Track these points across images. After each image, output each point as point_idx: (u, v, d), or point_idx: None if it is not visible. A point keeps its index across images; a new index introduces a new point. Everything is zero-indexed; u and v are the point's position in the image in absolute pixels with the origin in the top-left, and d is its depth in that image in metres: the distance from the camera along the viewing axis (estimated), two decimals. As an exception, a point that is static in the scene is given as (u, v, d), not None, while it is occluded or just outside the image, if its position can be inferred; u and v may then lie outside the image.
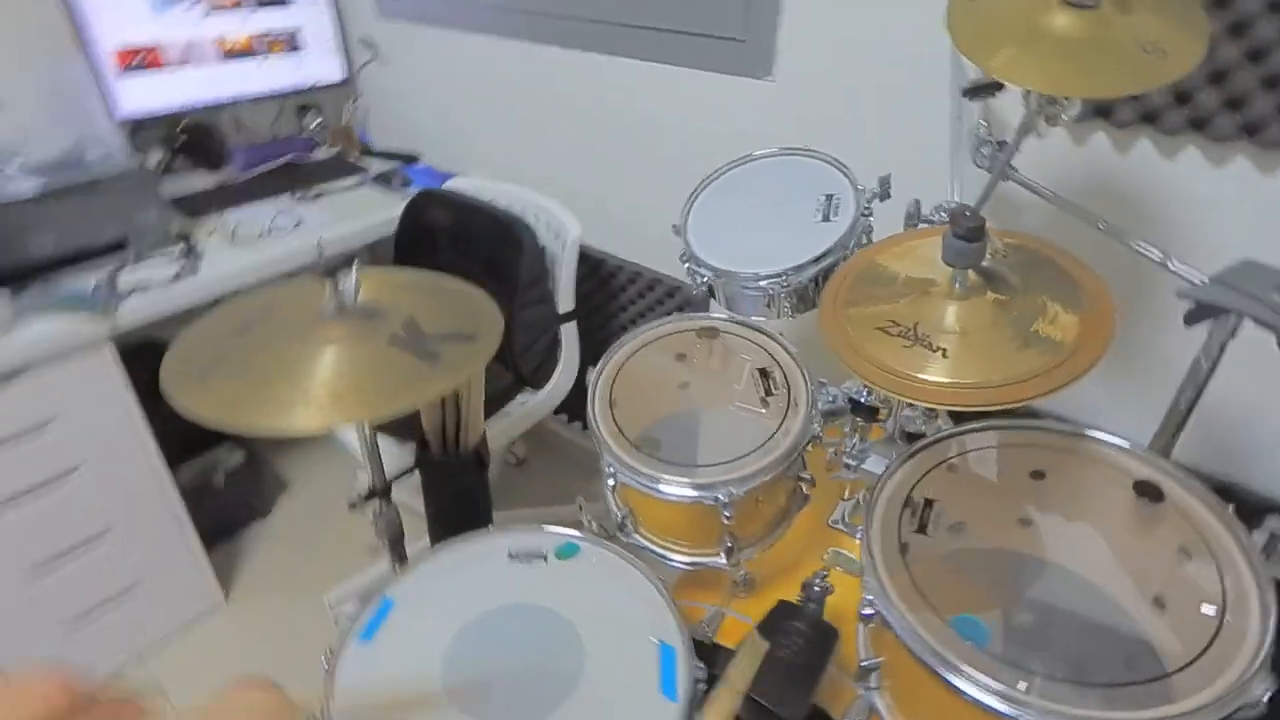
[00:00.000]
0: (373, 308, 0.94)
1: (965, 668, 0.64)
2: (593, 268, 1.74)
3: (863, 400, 1.02)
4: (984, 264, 0.77)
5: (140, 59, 1.68)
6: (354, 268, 0.89)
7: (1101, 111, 1.00)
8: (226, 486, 1.89)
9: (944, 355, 0.70)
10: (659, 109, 1.50)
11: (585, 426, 1.06)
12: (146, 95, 1.72)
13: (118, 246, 1.49)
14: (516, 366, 1.55)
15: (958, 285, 0.73)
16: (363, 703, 0.78)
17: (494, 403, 1.55)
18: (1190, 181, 0.99)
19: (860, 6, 1.18)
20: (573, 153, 1.72)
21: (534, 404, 1.59)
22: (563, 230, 1.50)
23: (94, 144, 1.53)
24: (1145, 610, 0.67)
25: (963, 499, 0.80)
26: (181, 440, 1.83)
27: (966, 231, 0.67)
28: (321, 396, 0.79)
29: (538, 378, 1.58)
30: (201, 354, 0.88)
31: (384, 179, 1.92)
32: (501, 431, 1.55)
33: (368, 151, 2.12)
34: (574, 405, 1.81)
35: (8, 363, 1.27)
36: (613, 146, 1.63)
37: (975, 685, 0.63)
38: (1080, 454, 0.82)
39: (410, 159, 2.06)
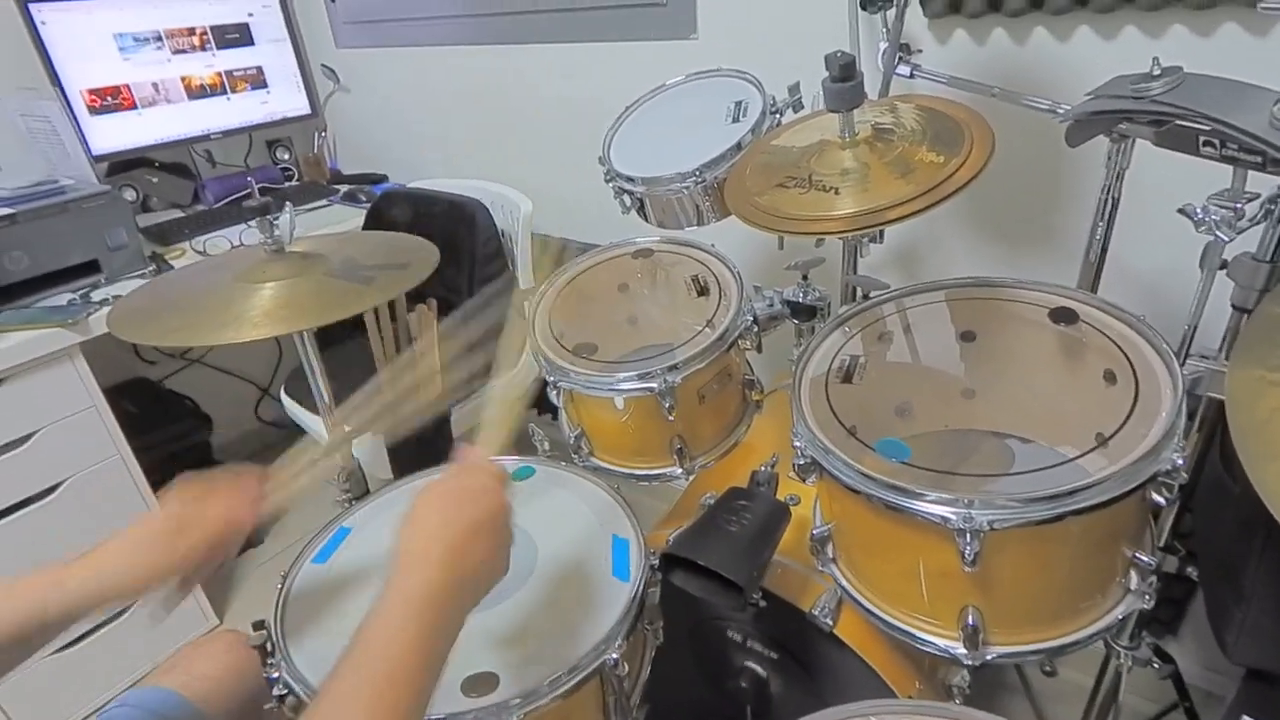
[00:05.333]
0: (313, 253, 0.98)
1: (889, 479, 0.64)
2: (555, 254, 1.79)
3: (800, 301, 1.04)
4: (876, 121, 0.81)
5: (110, 99, 1.78)
6: (287, 209, 0.93)
7: (992, 5, 1.04)
8: (215, 510, 1.90)
9: (836, 194, 0.73)
10: (597, 87, 1.56)
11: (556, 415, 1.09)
12: (118, 134, 1.81)
13: (91, 268, 1.55)
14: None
15: (845, 134, 0.76)
16: (313, 609, 0.79)
17: (466, 388, 1.57)
18: (1087, 59, 1.03)
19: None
20: (523, 145, 1.79)
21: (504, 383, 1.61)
22: (514, 209, 1.55)
23: (69, 176, 1.61)
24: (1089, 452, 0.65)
25: (901, 376, 0.80)
26: (169, 471, 1.86)
27: (840, 71, 0.70)
28: (256, 316, 0.82)
29: (506, 357, 1.61)
30: (149, 304, 0.92)
31: (351, 197, 1.99)
32: (475, 411, 1.56)
33: (338, 179, 2.20)
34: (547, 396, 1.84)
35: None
36: (560, 132, 1.70)
37: (903, 495, 0.63)
38: (1001, 306, 0.83)
39: (378, 179, 2.13)
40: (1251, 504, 0.47)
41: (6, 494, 1.40)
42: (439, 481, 0.60)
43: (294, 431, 1.75)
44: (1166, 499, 0.61)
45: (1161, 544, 0.86)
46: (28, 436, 1.39)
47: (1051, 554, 0.64)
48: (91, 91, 1.75)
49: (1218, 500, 0.78)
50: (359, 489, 1.13)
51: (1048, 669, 1.33)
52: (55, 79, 1.69)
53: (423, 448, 1.17)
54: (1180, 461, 0.59)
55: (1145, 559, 0.67)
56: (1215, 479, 0.78)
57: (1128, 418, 0.64)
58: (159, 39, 1.83)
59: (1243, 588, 0.73)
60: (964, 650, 0.68)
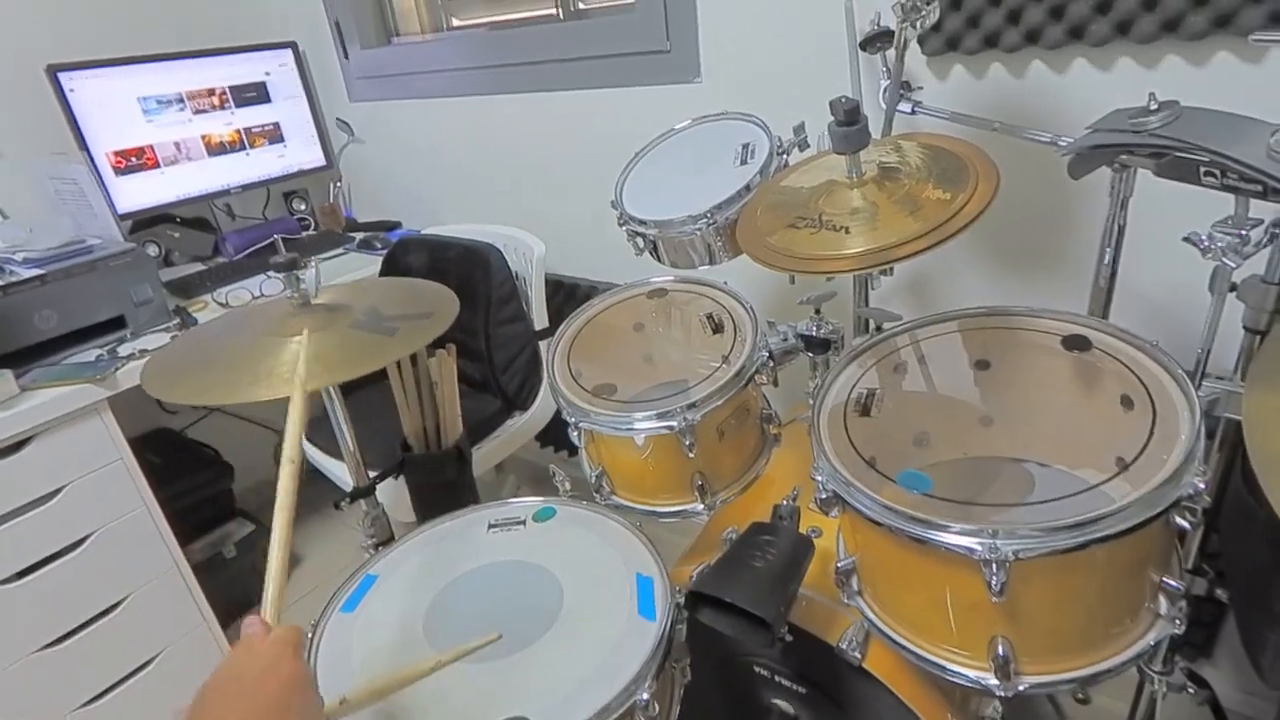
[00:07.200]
0: (338, 304, 1.01)
1: (911, 511, 0.65)
2: (568, 293, 1.82)
3: (814, 335, 1.06)
4: (882, 160, 0.83)
5: (135, 160, 1.84)
6: (313, 263, 0.96)
7: (989, 41, 1.07)
8: (238, 557, 1.91)
9: (846, 233, 0.75)
10: (605, 131, 1.61)
11: (572, 453, 1.10)
12: (142, 192, 1.87)
13: (117, 323, 1.59)
14: (501, 387, 1.59)
15: (853, 174, 0.79)
16: (343, 663, 0.80)
17: (484, 428, 1.59)
18: (1085, 90, 1.05)
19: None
20: (535, 190, 1.83)
21: (521, 423, 1.63)
22: (528, 251, 1.58)
23: (95, 236, 1.66)
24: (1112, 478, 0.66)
25: (917, 406, 0.81)
26: (191, 521, 1.88)
27: (845, 115, 0.73)
28: (287, 372, 0.84)
29: (522, 397, 1.63)
30: (180, 361, 0.94)
31: (367, 244, 2.03)
32: (493, 451, 1.58)
33: (353, 226, 2.25)
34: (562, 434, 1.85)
35: (12, 434, 1.33)
36: (569, 176, 1.74)
37: (927, 527, 0.64)
38: (1014, 334, 0.84)
39: (392, 226, 2.18)
40: (1278, 527, 0.48)
41: (37, 548, 1.41)
42: (221, 670, 0.58)
43: (315, 477, 1.77)
44: (1191, 523, 0.62)
45: (1189, 566, 0.86)
46: (57, 491, 1.42)
47: (1079, 581, 0.65)
48: (117, 153, 1.81)
49: (1243, 521, 0.78)
50: (383, 535, 1.14)
51: (1081, 697, 1.31)
52: (83, 143, 1.76)
53: (445, 491, 1.19)
54: (1202, 486, 0.60)
55: (1173, 584, 0.67)
56: (1240, 500, 0.78)
57: (1147, 442, 0.65)
58: (181, 100, 1.90)
59: (1274, 610, 0.72)
60: (995, 681, 0.67)
